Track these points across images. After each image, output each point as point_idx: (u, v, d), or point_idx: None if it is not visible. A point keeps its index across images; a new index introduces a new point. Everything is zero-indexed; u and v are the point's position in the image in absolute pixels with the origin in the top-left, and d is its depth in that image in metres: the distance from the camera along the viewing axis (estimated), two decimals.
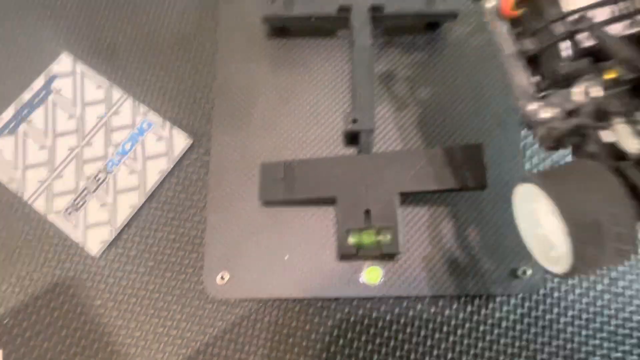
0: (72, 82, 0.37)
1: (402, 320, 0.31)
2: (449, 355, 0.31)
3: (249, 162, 0.34)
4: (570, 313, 0.31)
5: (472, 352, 0.31)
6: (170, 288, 0.33)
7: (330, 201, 0.33)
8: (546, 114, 0.16)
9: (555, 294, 0.31)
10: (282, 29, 0.37)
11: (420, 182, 0.30)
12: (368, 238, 0.30)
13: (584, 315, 0.31)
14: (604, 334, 0.31)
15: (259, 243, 0.33)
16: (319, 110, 0.35)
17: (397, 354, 0.31)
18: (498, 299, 0.32)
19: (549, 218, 0.15)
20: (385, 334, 0.31)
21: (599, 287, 0.32)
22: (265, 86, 0.36)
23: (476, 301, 0.32)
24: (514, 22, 0.18)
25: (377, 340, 0.31)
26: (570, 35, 0.16)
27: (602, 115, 0.16)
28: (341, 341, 0.31)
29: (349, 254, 0.30)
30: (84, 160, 0.35)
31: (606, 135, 0.16)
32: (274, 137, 0.35)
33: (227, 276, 0.32)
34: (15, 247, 0.34)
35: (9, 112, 0.37)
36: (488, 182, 0.30)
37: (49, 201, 0.34)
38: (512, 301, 0.31)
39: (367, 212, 0.30)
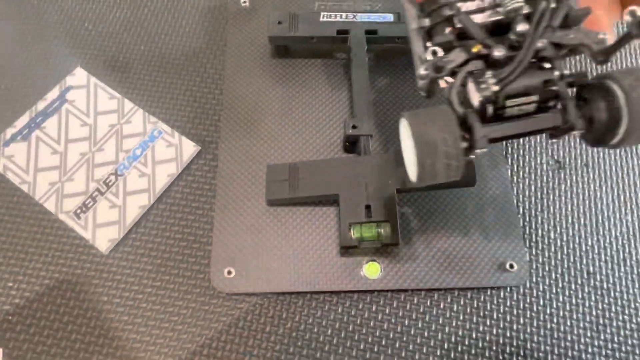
0: (86, 94, 0.40)
1: (400, 313, 0.33)
2: (446, 346, 0.32)
3: (254, 166, 0.37)
4: (554, 304, 0.34)
5: (466, 341, 0.32)
6: (177, 285, 0.34)
7: (332, 200, 0.35)
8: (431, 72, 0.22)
9: (541, 287, 0.34)
10: (285, 49, 0.40)
11: None
12: (369, 231, 0.32)
13: (567, 307, 0.34)
14: (587, 323, 0.33)
15: (263, 240, 0.34)
16: (321, 120, 0.38)
17: (397, 344, 0.32)
18: (489, 292, 0.34)
19: (409, 141, 0.21)
20: (385, 326, 0.33)
21: (579, 280, 0.34)
22: (270, 99, 0.39)
23: (468, 293, 0.34)
24: (420, 6, 0.24)
25: (378, 332, 0.33)
26: (449, 18, 0.22)
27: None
28: (343, 333, 0.33)
29: (351, 246, 0.32)
30: (95, 165, 0.37)
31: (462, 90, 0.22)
32: (278, 144, 0.38)
33: (233, 271, 0.33)
34: (24, 245, 0.35)
35: (23, 120, 0.39)
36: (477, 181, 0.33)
37: (59, 202, 0.36)
38: (502, 293, 0.34)
39: (368, 207, 0.33)
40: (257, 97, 0.39)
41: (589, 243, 0.36)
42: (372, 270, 0.33)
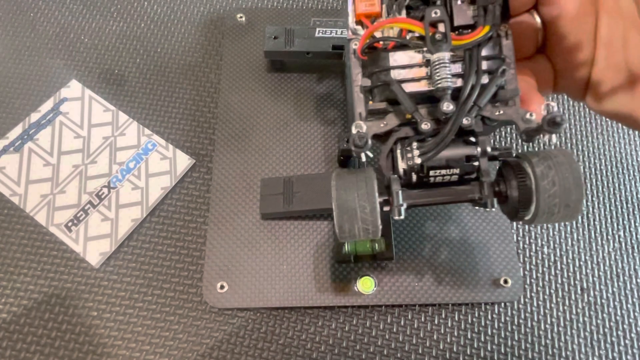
0: (80, 106, 0.40)
1: (394, 328, 0.33)
2: None
3: (248, 180, 0.37)
4: (549, 320, 0.33)
5: (461, 357, 0.32)
6: (169, 299, 0.33)
7: (326, 214, 0.35)
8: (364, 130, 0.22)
9: (535, 302, 0.34)
10: (281, 63, 0.41)
11: None
12: (363, 246, 0.32)
13: (562, 322, 0.33)
14: (581, 339, 0.33)
15: (257, 255, 0.34)
16: (315, 134, 0.38)
17: None
18: (483, 307, 0.34)
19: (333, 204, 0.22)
20: (379, 342, 0.33)
21: (573, 296, 0.34)
22: (265, 113, 0.39)
23: (463, 309, 0.33)
24: (363, 63, 0.23)
25: (372, 349, 0.32)
26: (385, 84, 0.22)
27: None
28: (336, 350, 0.32)
29: (345, 261, 0.32)
30: (87, 177, 0.37)
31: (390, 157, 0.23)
32: (273, 157, 0.38)
33: (226, 286, 0.33)
34: (13, 258, 0.34)
35: (16, 131, 0.38)
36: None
37: (50, 214, 0.35)
38: (496, 308, 0.34)
39: None
40: (252, 110, 0.39)
41: (583, 259, 0.36)
42: (366, 285, 0.33)
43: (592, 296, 0.34)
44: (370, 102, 0.23)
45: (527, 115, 0.21)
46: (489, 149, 0.22)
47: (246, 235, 0.35)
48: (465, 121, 0.21)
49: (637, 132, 0.40)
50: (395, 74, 0.22)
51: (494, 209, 0.22)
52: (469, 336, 0.33)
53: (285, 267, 0.34)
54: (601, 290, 0.35)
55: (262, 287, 0.33)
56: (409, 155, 0.22)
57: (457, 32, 0.22)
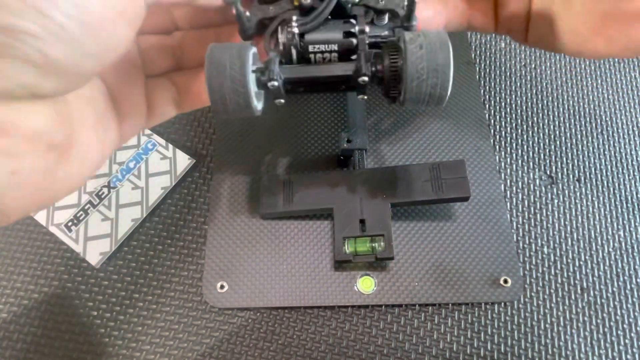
0: None
1: (394, 328, 0.33)
2: None
3: (248, 179, 0.37)
4: (549, 320, 0.33)
5: (461, 357, 0.32)
6: (169, 299, 0.33)
7: (326, 214, 0.35)
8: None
9: (535, 302, 0.34)
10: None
11: (409, 194, 0.33)
12: (363, 245, 0.32)
13: (561, 322, 0.33)
14: (581, 339, 0.33)
15: (257, 254, 0.34)
16: (315, 134, 0.38)
17: None
18: (483, 307, 0.34)
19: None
20: (379, 341, 0.33)
21: (573, 296, 0.34)
22: (265, 116, 0.39)
23: (463, 308, 0.33)
24: None
25: (371, 348, 0.32)
26: None
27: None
28: (336, 349, 0.32)
29: (345, 261, 0.32)
30: None
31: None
32: (273, 158, 0.38)
33: (226, 286, 0.33)
34: (12, 258, 0.34)
35: None
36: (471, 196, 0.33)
37: (50, 214, 0.35)
38: (496, 308, 0.34)
39: (362, 221, 0.33)
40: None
41: (582, 258, 0.36)
42: (366, 284, 0.33)
43: (592, 296, 0.34)
44: None
45: (405, 2, 0.23)
46: (367, 29, 0.23)
47: (246, 235, 0.35)
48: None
49: (637, 132, 0.40)
50: None
51: (366, 79, 0.22)
52: (469, 336, 0.33)
53: (285, 267, 0.34)
54: (601, 290, 0.35)
55: (262, 287, 0.33)
56: (289, 29, 0.22)
57: None
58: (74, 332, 0.32)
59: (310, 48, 0.23)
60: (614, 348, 0.33)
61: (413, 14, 0.22)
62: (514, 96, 0.42)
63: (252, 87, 0.21)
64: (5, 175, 0.15)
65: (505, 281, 0.34)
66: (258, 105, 0.22)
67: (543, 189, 0.38)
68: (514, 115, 0.41)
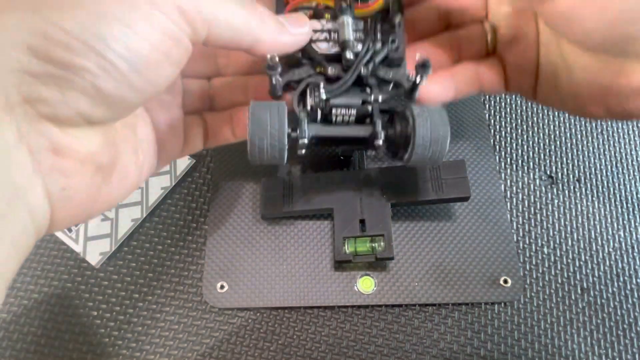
0: None
1: (394, 328, 0.33)
2: None
3: (248, 180, 0.37)
4: (549, 320, 0.33)
5: (461, 357, 0.32)
6: (169, 299, 0.33)
7: (326, 214, 0.35)
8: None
9: (535, 302, 0.34)
10: None
11: (409, 194, 0.33)
12: (363, 245, 0.32)
13: (561, 322, 0.33)
14: (580, 339, 0.33)
15: (257, 255, 0.34)
16: None
17: None
18: (483, 307, 0.34)
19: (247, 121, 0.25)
20: (379, 341, 0.33)
21: (573, 296, 0.34)
22: None
23: (463, 308, 0.34)
24: None
25: (372, 348, 0.32)
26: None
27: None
28: (336, 349, 0.32)
29: (345, 261, 0.32)
30: None
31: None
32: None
33: (226, 286, 0.33)
34: None
35: None
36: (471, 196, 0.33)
37: None
38: (496, 308, 0.34)
39: (362, 221, 0.33)
40: None
41: (582, 258, 0.36)
42: (366, 284, 0.33)
43: (592, 296, 0.34)
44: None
45: (410, 77, 0.27)
46: (380, 98, 0.27)
47: (246, 235, 0.35)
48: (363, 70, 0.26)
49: (637, 132, 0.41)
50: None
51: (380, 143, 0.26)
52: (469, 336, 0.33)
53: (285, 267, 0.34)
54: (601, 290, 0.35)
55: (262, 287, 0.33)
56: (316, 94, 0.26)
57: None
58: (74, 332, 0.32)
59: (334, 110, 0.27)
60: (614, 348, 0.33)
61: (416, 90, 0.27)
62: (514, 96, 0.42)
63: (286, 143, 0.25)
64: (57, 190, 0.18)
65: (505, 281, 0.34)
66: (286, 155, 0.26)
67: (543, 189, 0.38)
68: (514, 115, 0.41)
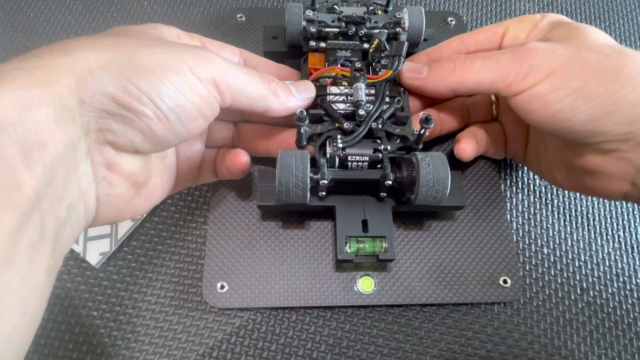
0: None
1: (394, 328, 0.33)
2: None
3: (248, 180, 0.37)
4: (548, 320, 0.34)
5: (461, 357, 0.32)
6: (168, 299, 0.33)
7: (326, 215, 0.35)
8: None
9: (535, 302, 0.34)
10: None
11: (408, 203, 0.33)
12: (365, 246, 0.32)
13: (561, 322, 0.34)
14: (580, 339, 0.33)
15: (257, 255, 0.34)
16: None
17: None
18: (483, 307, 0.34)
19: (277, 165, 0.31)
20: (380, 341, 0.33)
21: (573, 296, 0.34)
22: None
23: (463, 308, 0.34)
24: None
25: (372, 348, 0.32)
26: (322, 101, 0.33)
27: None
28: (337, 349, 0.32)
29: (347, 260, 0.32)
30: None
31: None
32: (273, 159, 0.37)
33: (226, 286, 0.33)
34: None
35: None
36: (466, 203, 0.34)
37: None
38: (496, 308, 0.34)
39: (364, 222, 0.32)
40: None
41: (582, 258, 0.36)
42: (366, 285, 0.33)
43: (592, 296, 0.35)
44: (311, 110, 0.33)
45: (415, 132, 0.32)
46: (389, 147, 0.32)
47: (246, 235, 0.35)
48: (374, 125, 0.32)
49: None
50: (330, 98, 0.33)
51: (390, 182, 0.30)
52: (469, 336, 0.33)
53: (286, 267, 0.34)
54: (601, 290, 0.35)
55: (262, 287, 0.33)
56: (334, 144, 0.31)
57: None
58: (74, 332, 0.32)
59: (349, 158, 0.31)
60: (614, 348, 0.33)
61: (420, 141, 0.32)
62: None
63: (309, 183, 0.29)
64: (103, 195, 0.24)
65: (505, 281, 0.34)
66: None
67: (543, 189, 0.38)
68: None
